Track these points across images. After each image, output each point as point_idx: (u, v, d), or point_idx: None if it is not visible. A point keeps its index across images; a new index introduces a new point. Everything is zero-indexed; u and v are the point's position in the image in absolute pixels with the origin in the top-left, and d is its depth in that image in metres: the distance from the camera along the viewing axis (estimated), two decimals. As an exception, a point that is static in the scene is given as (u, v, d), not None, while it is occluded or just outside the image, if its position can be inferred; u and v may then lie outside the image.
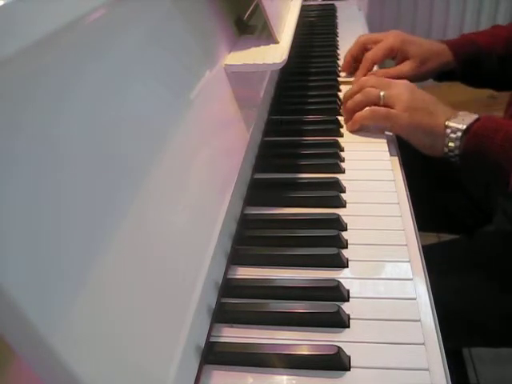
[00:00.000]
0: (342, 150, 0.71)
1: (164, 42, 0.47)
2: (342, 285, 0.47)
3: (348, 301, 0.46)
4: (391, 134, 0.74)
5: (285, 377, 0.40)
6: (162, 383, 0.33)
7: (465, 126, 0.64)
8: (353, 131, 0.75)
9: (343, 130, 0.76)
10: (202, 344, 0.41)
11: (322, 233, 0.54)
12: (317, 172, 0.66)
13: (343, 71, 0.95)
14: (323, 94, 0.88)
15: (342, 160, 0.69)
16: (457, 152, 0.65)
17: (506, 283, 0.71)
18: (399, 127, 0.70)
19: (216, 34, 0.61)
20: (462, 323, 0.72)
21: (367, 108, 0.72)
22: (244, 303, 0.47)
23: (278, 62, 0.59)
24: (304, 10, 1.16)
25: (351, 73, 0.94)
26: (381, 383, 0.39)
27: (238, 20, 0.70)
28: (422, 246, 0.54)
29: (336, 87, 0.90)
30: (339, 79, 0.94)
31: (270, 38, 0.64)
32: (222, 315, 0.45)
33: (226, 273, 0.50)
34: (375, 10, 2.10)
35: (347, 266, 0.50)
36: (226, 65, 0.59)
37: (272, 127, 0.78)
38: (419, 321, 0.43)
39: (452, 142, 0.65)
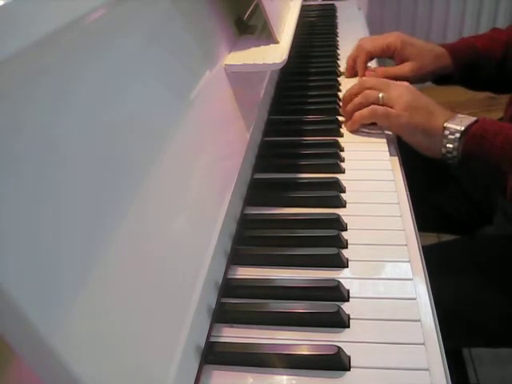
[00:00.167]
0: (342, 150, 0.71)
1: (164, 42, 0.47)
2: (342, 285, 0.47)
3: (348, 301, 0.46)
4: (391, 134, 0.74)
5: (285, 377, 0.40)
6: (161, 383, 0.33)
7: (463, 128, 0.64)
8: (353, 131, 0.75)
9: (343, 130, 0.76)
10: (202, 344, 0.41)
11: (322, 233, 0.54)
12: (317, 172, 0.66)
13: (347, 76, 0.95)
14: (323, 94, 0.88)
15: (342, 160, 0.69)
16: (455, 153, 0.66)
17: (505, 283, 0.71)
18: (398, 126, 0.70)
19: (216, 34, 0.61)
20: (462, 323, 0.72)
21: (372, 107, 0.72)
22: (244, 303, 0.47)
23: (278, 62, 0.59)
24: (304, 10, 1.16)
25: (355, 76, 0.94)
26: (381, 383, 0.39)
27: (238, 20, 0.70)
28: (422, 246, 0.54)
29: (336, 87, 0.90)
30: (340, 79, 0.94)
31: (270, 38, 0.64)
32: (222, 315, 0.45)
33: (226, 273, 0.50)
34: (375, 9, 2.10)
35: (347, 266, 0.50)
36: (225, 65, 0.59)
37: (272, 127, 0.78)
38: (419, 321, 0.43)
39: (450, 143, 0.65)
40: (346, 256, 0.51)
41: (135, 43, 0.42)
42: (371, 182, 0.63)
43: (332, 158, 0.68)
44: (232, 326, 0.45)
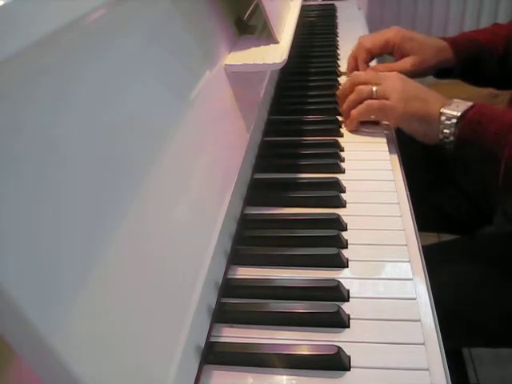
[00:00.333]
0: (342, 150, 0.71)
1: (164, 42, 0.47)
2: (342, 285, 0.47)
3: (348, 301, 0.46)
4: (391, 133, 0.74)
5: (285, 377, 0.40)
6: (161, 383, 0.33)
7: (459, 113, 0.64)
8: (352, 130, 0.75)
9: (343, 130, 0.76)
10: (202, 344, 0.41)
11: (322, 233, 0.54)
12: (317, 172, 0.66)
13: (349, 75, 0.94)
14: (323, 94, 0.88)
15: (342, 160, 0.69)
16: (451, 139, 0.66)
17: (505, 283, 0.71)
18: (395, 118, 0.70)
19: (216, 34, 0.61)
20: (462, 323, 0.72)
21: (367, 102, 0.72)
22: (244, 303, 0.47)
23: (278, 62, 0.59)
24: (304, 10, 1.16)
25: None
26: (381, 383, 0.39)
27: (238, 20, 0.70)
28: (422, 246, 0.54)
29: (336, 87, 0.90)
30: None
31: (270, 38, 0.64)
32: (222, 315, 0.45)
33: (226, 273, 0.50)
34: (375, 9, 2.10)
35: (347, 266, 0.50)
36: (225, 65, 0.59)
37: (272, 127, 0.78)
38: (419, 321, 0.43)
39: (447, 128, 0.65)
40: (346, 256, 0.51)
41: (135, 43, 0.42)
42: (371, 182, 0.63)
43: (332, 158, 0.68)
44: (232, 326, 0.45)
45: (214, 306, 0.45)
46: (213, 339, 0.43)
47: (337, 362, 0.40)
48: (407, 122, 0.69)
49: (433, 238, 1.23)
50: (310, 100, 0.86)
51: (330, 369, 0.40)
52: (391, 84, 0.70)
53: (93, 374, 0.27)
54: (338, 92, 0.79)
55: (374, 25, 1.43)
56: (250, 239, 0.55)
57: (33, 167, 0.27)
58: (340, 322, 0.44)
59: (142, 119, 0.40)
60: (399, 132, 0.74)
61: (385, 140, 0.72)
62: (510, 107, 0.85)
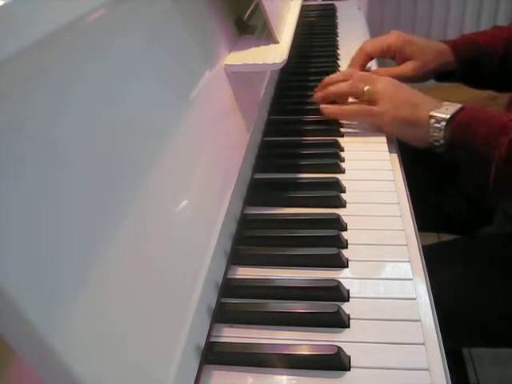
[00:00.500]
0: (342, 150, 0.71)
1: (164, 42, 0.47)
2: (342, 285, 0.47)
3: (348, 301, 0.46)
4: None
5: (285, 377, 0.40)
6: (161, 383, 0.33)
7: (448, 116, 0.64)
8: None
9: (343, 130, 0.76)
10: (202, 344, 0.41)
11: (322, 233, 0.54)
12: (317, 172, 0.66)
13: None
14: (323, 94, 0.88)
15: (342, 160, 0.69)
16: (442, 142, 0.65)
17: (505, 283, 0.71)
18: (384, 124, 0.71)
19: (216, 34, 0.61)
20: (462, 323, 0.72)
21: (356, 105, 0.73)
22: (244, 303, 0.47)
23: (278, 62, 0.59)
24: (304, 10, 1.16)
25: None
26: (381, 383, 0.39)
27: (238, 20, 0.70)
28: (422, 246, 0.54)
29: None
30: None
31: (270, 38, 0.64)
32: (222, 315, 0.45)
33: (226, 273, 0.50)
34: (375, 9, 2.10)
35: (347, 266, 0.50)
36: (225, 65, 0.59)
37: (272, 127, 0.78)
38: (419, 321, 0.43)
39: (436, 132, 0.65)
40: (346, 256, 0.51)
41: (135, 43, 0.42)
42: (371, 182, 0.63)
43: (332, 158, 0.68)
44: (232, 326, 0.45)
45: (213, 306, 0.45)
46: (213, 339, 0.43)
47: (337, 362, 0.40)
48: (397, 127, 0.70)
49: (433, 238, 1.23)
50: (309, 100, 0.86)
51: (330, 369, 0.40)
52: (382, 87, 0.71)
53: (93, 374, 0.27)
54: (327, 77, 0.79)
55: (374, 25, 1.43)
56: (250, 239, 0.55)
57: (33, 167, 0.27)
58: (340, 322, 0.44)
59: (142, 119, 0.40)
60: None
61: (385, 140, 0.72)
62: (509, 109, 0.85)
